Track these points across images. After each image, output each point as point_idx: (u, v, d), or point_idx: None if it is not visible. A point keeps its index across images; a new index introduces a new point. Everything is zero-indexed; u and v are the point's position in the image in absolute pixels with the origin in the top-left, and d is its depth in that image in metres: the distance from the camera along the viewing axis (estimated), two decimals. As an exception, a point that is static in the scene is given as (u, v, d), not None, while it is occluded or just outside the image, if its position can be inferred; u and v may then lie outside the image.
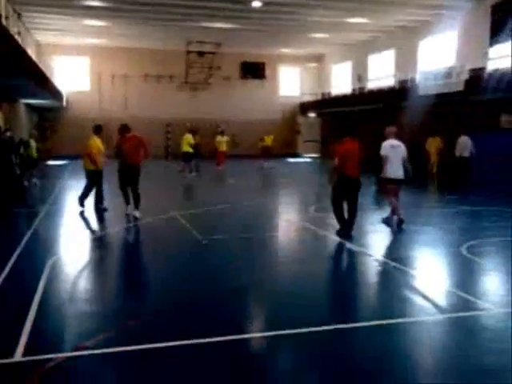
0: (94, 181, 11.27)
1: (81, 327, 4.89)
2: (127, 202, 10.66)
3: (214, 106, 33.33)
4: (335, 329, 4.84)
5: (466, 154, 15.95)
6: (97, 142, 11.35)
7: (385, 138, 9.42)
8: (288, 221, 11.26)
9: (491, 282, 6.73)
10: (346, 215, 8.82)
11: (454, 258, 7.68)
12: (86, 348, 4.32)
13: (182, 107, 32.84)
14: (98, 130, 11.65)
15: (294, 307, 5.47)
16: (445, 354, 4.50)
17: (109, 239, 9.07)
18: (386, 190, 9.53)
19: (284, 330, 4.73)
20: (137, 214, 10.39)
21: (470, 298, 5.65)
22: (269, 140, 25.74)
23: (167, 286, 6.26)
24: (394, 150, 9.19)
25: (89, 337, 4.54)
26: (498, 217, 10.99)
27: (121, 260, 7.95)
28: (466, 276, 6.86)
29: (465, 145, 16.19)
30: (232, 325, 4.92)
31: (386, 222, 9.39)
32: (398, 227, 9.28)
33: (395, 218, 9.34)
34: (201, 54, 31.47)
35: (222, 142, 23.06)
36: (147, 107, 32.39)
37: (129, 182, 10.55)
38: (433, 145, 19.97)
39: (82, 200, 11.39)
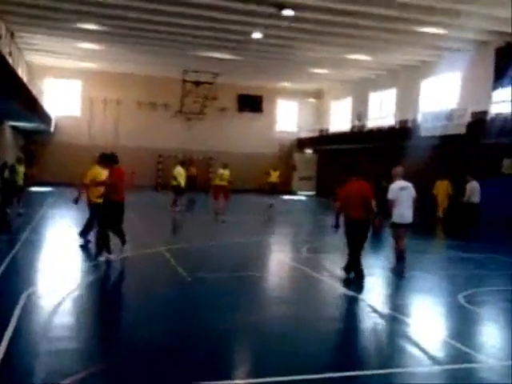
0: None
1: (52, 367, 4.81)
2: (107, 246, 9.64)
3: (209, 138, 33.61)
4: (327, 377, 4.80)
5: (476, 199, 15.89)
6: (101, 172, 10.48)
7: (390, 179, 9.47)
8: (279, 261, 11.23)
9: (488, 334, 6.71)
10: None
11: (450, 307, 7.67)
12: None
13: (175, 137, 33.08)
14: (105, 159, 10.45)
15: (283, 353, 5.42)
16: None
17: (90, 273, 9.00)
18: (395, 235, 9.44)
19: (271, 377, 4.68)
20: (120, 252, 9.76)
21: (465, 349, 5.63)
22: (275, 175, 25.08)
23: (146, 325, 6.18)
24: (402, 193, 9.23)
25: (60, 378, 4.46)
26: (497, 265, 11.02)
27: (99, 296, 7.87)
28: (462, 326, 6.84)
29: (474, 190, 16.13)
30: (214, 370, 4.86)
31: (396, 271, 9.34)
32: (400, 273, 9.24)
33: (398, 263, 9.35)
34: (197, 83, 31.92)
35: (225, 175, 21.22)
36: (139, 135, 32.58)
37: (114, 221, 9.69)
38: (441, 189, 19.95)
39: (84, 233, 10.94)
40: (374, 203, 8.60)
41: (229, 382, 4.67)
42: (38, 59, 29.32)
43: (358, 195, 8.58)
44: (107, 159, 10.00)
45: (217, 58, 26.56)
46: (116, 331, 6.02)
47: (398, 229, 9.30)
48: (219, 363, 5.06)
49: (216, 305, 7.12)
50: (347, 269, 8.79)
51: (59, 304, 6.81)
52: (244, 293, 7.96)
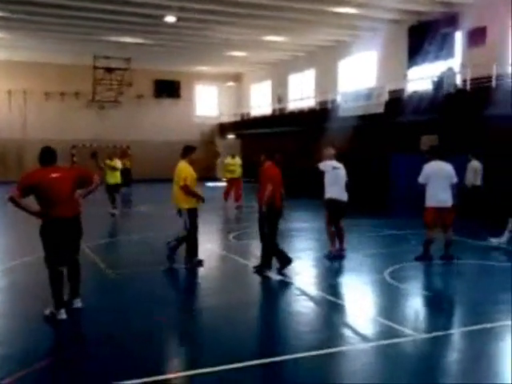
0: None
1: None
2: (60, 297, 6.22)
3: (125, 126, 32.90)
4: (260, 363, 4.91)
5: (478, 182, 14.84)
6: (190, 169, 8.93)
7: (319, 161, 9.42)
8: (207, 250, 11.26)
9: (412, 308, 7.09)
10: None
11: (377, 285, 8.02)
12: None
13: (89, 127, 32.12)
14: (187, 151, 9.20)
15: (216, 343, 5.48)
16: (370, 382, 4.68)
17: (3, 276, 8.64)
18: (328, 215, 9.32)
19: (205, 368, 4.74)
20: (78, 304, 6.47)
21: (392, 324, 5.93)
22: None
23: (76, 322, 6.06)
24: (336, 171, 9.18)
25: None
26: (418, 240, 11.60)
27: (16, 299, 7.59)
28: (388, 303, 7.18)
29: (477, 171, 14.91)
30: (147, 365, 4.85)
31: (330, 256, 9.29)
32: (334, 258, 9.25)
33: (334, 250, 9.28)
34: (109, 70, 31.04)
35: (236, 166, 18.42)
36: (49, 127, 31.33)
37: (64, 248, 6.26)
38: None
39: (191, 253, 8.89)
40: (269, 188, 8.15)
41: (161, 377, 4.68)
42: None
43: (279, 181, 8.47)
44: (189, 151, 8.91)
45: (129, 43, 25.97)
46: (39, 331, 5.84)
47: (332, 208, 9.21)
48: (151, 358, 5.04)
49: (146, 299, 7.06)
50: (268, 260, 8.44)
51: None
52: (173, 285, 7.94)
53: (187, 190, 8.49)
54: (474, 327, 5.90)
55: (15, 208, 5.94)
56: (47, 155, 6.26)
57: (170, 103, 34.89)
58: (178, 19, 21.24)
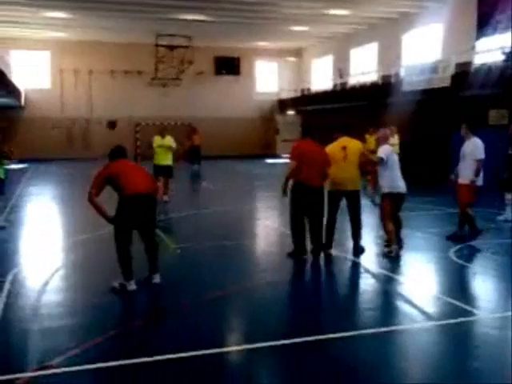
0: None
1: (45, 344, 4.92)
2: (129, 268, 6.42)
3: (186, 104, 33.32)
4: (325, 338, 4.96)
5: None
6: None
7: (378, 143, 8.28)
8: (266, 226, 11.38)
9: (478, 287, 6.93)
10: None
11: (442, 263, 7.88)
12: (52, 367, 4.35)
13: (151, 105, 32.77)
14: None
15: (276, 318, 5.58)
16: (434, 361, 4.65)
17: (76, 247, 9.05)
18: (385, 208, 8.04)
19: (265, 341, 4.84)
20: (157, 279, 6.64)
21: (457, 303, 5.83)
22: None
23: (138, 297, 6.30)
24: (393, 157, 8.04)
25: (54, 355, 4.56)
26: (484, 218, 11.27)
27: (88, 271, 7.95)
28: (453, 281, 7.06)
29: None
30: (207, 337, 5.00)
31: (393, 255, 7.96)
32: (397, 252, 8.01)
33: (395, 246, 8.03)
34: (171, 48, 31.43)
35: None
36: (114, 106, 32.25)
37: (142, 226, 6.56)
38: None
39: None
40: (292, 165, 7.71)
41: (221, 349, 4.81)
42: (1, 31, 28.59)
43: (319, 159, 7.73)
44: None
45: (190, 20, 26.13)
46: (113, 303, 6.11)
47: (391, 200, 7.97)
48: (210, 331, 5.19)
49: (208, 272, 7.25)
50: (299, 251, 7.84)
51: (47, 283, 6.88)
52: (233, 261, 8.08)
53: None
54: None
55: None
56: (119, 151, 6.75)
57: (229, 80, 34.99)
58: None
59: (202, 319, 5.54)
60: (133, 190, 6.31)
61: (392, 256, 7.86)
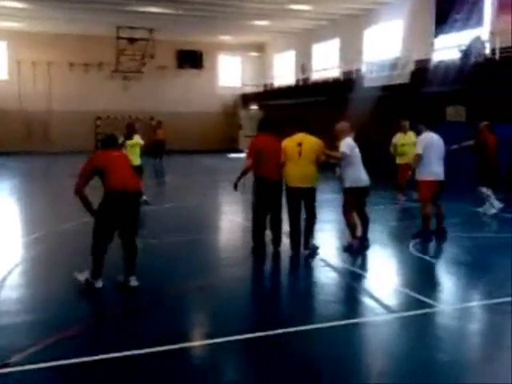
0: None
1: (3, 343, 4.80)
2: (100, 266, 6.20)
3: (148, 97, 32.92)
4: (284, 332, 4.99)
5: None
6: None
7: (336, 138, 7.97)
8: (231, 220, 11.37)
9: (437, 280, 7.09)
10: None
11: (401, 257, 8.04)
12: (9, 365, 4.25)
13: (112, 98, 32.26)
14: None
15: (239, 312, 5.58)
16: (395, 352, 4.74)
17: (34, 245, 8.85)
18: (348, 203, 7.96)
19: (228, 336, 4.83)
20: (135, 282, 6.24)
21: (417, 296, 5.95)
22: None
23: (99, 294, 6.21)
24: (356, 150, 7.90)
25: (12, 353, 4.46)
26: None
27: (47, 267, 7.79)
28: (413, 274, 7.20)
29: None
30: (172, 333, 4.97)
31: (352, 250, 7.95)
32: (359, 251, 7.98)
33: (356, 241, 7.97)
34: (132, 40, 30.93)
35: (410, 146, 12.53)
36: (73, 98, 31.62)
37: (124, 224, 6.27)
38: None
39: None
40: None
41: (189, 344, 4.79)
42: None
43: (278, 154, 7.71)
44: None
45: (151, 12, 25.80)
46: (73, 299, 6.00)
47: (354, 195, 7.93)
48: (173, 327, 5.16)
49: (169, 268, 7.20)
50: (258, 246, 7.91)
51: (5, 279, 6.71)
52: (197, 255, 8.04)
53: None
54: (499, 300, 5.89)
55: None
56: (111, 140, 6.56)
57: (192, 74, 34.74)
58: (201, -12, 21.01)
59: (164, 315, 5.50)
60: (121, 185, 6.02)
61: (352, 251, 7.86)
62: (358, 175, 7.86)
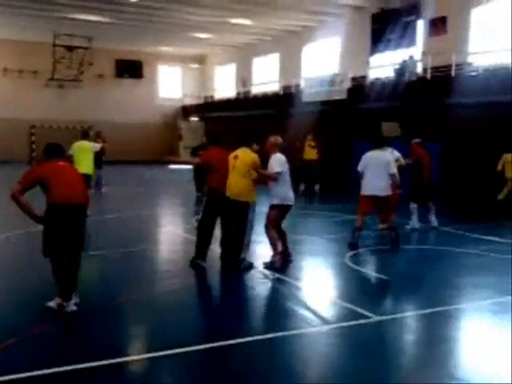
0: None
1: None
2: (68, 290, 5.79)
3: (86, 106, 32.27)
4: (219, 346, 4.95)
5: None
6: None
7: (268, 152, 7.85)
8: (170, 233, 11.24)
9: (371, 291, 7.26)
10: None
11: (338, 268, 8.17)
12: None
13: (48, 106, 31.42)
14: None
15: (176, 325, 5.50)
16: (329, 363, 4.79)
17: None
18: (272, 219, 7.83)
19: (167, 350, 4.75)
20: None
21: (352, 307, 6.06)
22: None
23: (34, 306, 5.98)
24: (286, 166, 7.84)
25: None
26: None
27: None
28: (349, 286, 7.33)
29: None
30: (108, 347, 4.84)
31: (275, 266, 7.73)
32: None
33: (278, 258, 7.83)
34: (70, 48, 30.27)
35: None
36: (6, 105, 30.52)
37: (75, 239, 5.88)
38: None
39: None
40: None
41: (125, 358, 4.68)
42: None
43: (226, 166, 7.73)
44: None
45: (89, 21, 25.36)
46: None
47: (280, 212, 7.84)
48: (111, 340, 5.03)
49: (108, 280, 7.02)
50: (200, 255, 7.82)
51: None
52: (136, 268, 7.89)
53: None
54: (431, 310, 6.09)
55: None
56: (55, 149, 5.95)
57: (131, 84, 34.35)
58: (142, -2, 20.86)
59: (100, 329, 5.35)
60: (64, 198, 5.57)
61: (276, 267, 7.71)
62: (286, 192, 7.76)
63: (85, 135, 12.81)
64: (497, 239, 10.07)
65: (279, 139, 7.93)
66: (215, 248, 8.23)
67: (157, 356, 4.68)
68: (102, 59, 32.26)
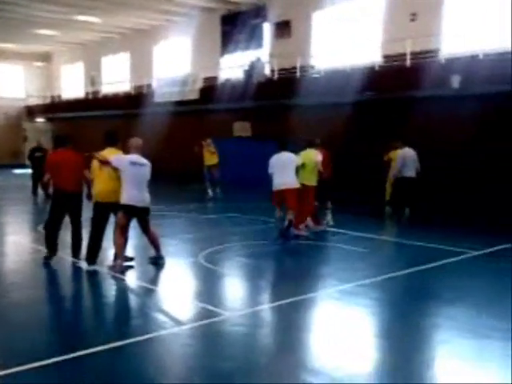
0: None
1: None
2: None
3: None
4: (67, 359, 4.71)
5: (410, 173, 12.57)
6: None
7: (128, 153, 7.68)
8: (15, 243, 10.48)
9: (224, 289, 7.39)
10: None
11: (191, 268, 8.19)
12: None
13: None
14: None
15: (23, 340, 5.15)
16: (185, 364, 4.79)
17: None
18: (120, 221, 7.62)
19: (8, 369, 4.42)
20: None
21: (206, 306, 6.11)
22: None
23: None
24: (134, 169, 7.50)
25: None
26: (233, 223, 12.08)
27: None
28: (202, 285, 7.39)
29: (407, 160, 12.54)
30: None
31: (112, 269, 7.65)
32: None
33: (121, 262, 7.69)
34: None
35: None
36: None
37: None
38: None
39: None
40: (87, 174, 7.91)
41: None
42: None
43: (73, 165, 7.93)
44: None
45: None
46: None
47: (125, 213, 7.59)
48: None
49: None
50: (51, 253, 8.10)
51: None
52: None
53: None
54: (283, 302, 6.34)
55: None
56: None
57: (-33, 82, 31.56)
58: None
59: None
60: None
61: (116, 271, 7.54)
62: (130, 193, 7.47)
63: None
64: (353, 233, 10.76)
65: (139, 141, 7.90)
66: (63, 255, 7.84)
67: (6, 374, 4.34)
68: None
